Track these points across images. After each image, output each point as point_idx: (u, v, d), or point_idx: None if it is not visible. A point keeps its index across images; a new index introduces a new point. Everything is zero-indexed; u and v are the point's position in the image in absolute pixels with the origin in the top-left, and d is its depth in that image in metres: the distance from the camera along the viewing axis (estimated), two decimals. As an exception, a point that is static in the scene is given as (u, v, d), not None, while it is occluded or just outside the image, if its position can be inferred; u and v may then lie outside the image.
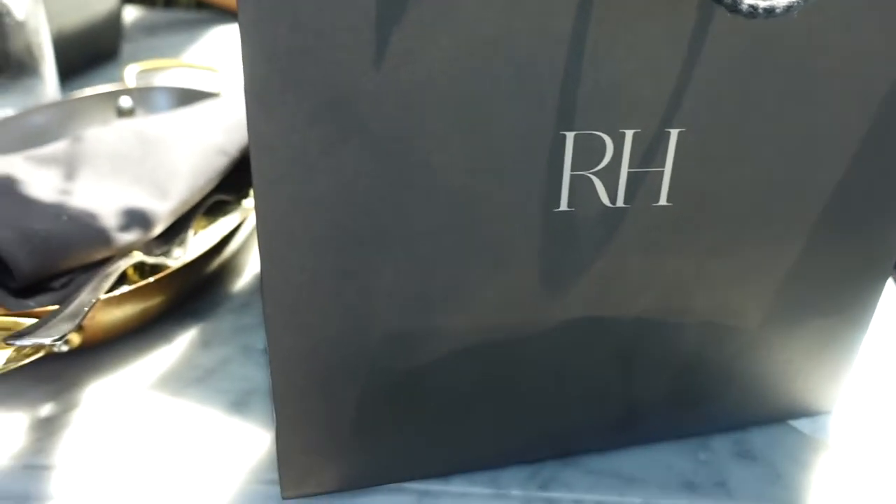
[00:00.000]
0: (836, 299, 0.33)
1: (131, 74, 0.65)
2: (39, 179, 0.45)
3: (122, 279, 0.43)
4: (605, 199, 0.28)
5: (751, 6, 0.23)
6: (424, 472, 0.33)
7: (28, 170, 0.46)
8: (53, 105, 0.59)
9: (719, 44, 0.26)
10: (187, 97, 0.61)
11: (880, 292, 0.34)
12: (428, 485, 0.33)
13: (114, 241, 0.42)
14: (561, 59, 0.26)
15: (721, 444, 0.35)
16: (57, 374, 0.38)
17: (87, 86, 0.74)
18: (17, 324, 0.34)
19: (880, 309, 0.45)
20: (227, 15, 0.99)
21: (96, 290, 0.36)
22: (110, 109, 0.61)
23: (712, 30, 0.26)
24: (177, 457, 0.34)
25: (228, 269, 0.48)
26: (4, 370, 0.31)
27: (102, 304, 0.37)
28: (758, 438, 0.36)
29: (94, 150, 0.48)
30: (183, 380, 0.38)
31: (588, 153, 0.27)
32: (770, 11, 0.23)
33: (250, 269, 0.48)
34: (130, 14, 1.00)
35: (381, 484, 0.33)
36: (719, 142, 0.28)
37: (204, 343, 0.41)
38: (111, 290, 0.39)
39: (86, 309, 0.34)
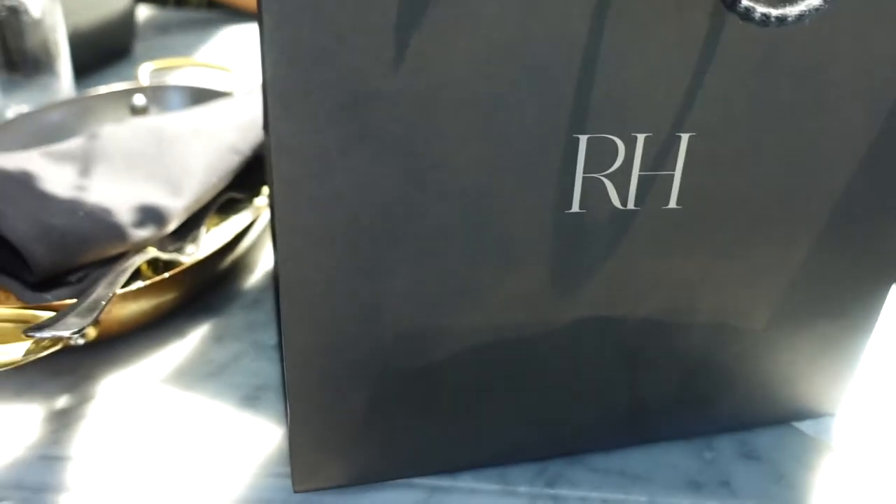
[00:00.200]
0: (841, 303, 0.34)
1: (145, 73, 0.66)
2: (56, 175, 0.46)
3: (136, 275, 0.44)
4: (617, 202, 0.29)
5: (763, 14, 0.23)
6: (434, 467, 0.34)
7: (45, 165, 0.47)
8: (68, 102, 0.59)
9: (731, 50, 0.27)
10: (200, 96, 0.62)
11: (885, 296, 0.34)
12: (437, 480, 0.34)
13: (129, 237, 0.42)
14: (575, 64, 0.26)
15: (726, 445, 0.36)
16: (72, 366, 0.39)
17: (101, 84, 0.75)
18: (35, 317, 0.35)
19: (885, 313, 0.45)
20: (237, 14, 1.00)
21: (112, 285, 0.37)
22: (124, 107, 0.61)
23: (724, 37, 0.27)
24: (189, 449, 0.35)
25: (240, 266, 0.48)
26: (23, 362, 0.32)
27: (118, 298, 0.37)
28: (762, 439, 0.36)
29: (109, 146, 0.49)
30: (196, 374, 0.39)
31: (600, 156, 0.28)
32: (782, 20, 0.23)
33: (262, 266, 0.49)
34: (143, 13, 1.01)
35: (390, 479, 0.33)
36: (729, 147, 0.29)
37: (216, 338, 0.42)
38: (126, 285, 0.39)
39: (103, 303, 0.35)
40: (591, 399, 0.34)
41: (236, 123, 0.53)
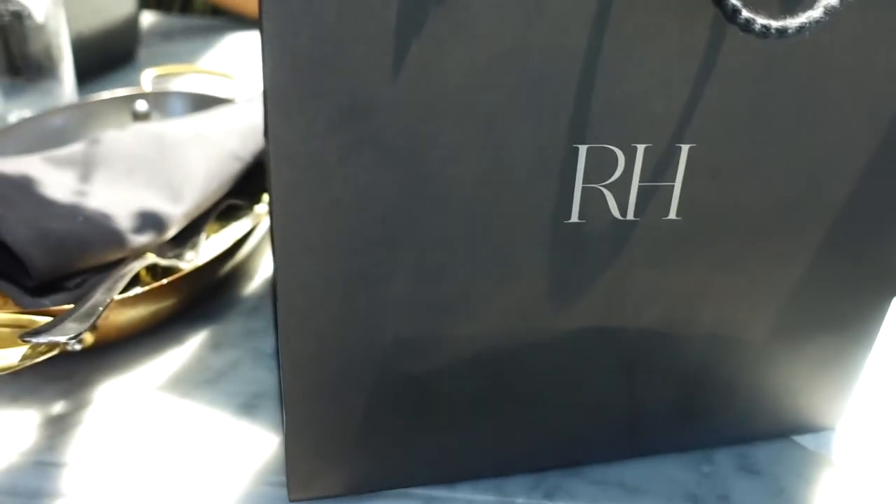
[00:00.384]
0: (841, 316, 0.34)
1: (148, 79, 0.66)
2: (57, 180, 0.46)
3: (135, 280, 0.43)
4: (616, 212, 0.29)
5: (763, 26, 0.23)
6: (430, 478, 0.34)
7: (46, 170, 0.47)
8: (71, 107, 0.59)
9: (731, 62, 0.27)
10: (202, 102, 0.62)
11: (886, 310, 0.34)
12: (434, 491, 0.33)
13: (128, 243, 0.42)
14: (575, 74, 0.26)
15: (725, 458, 0.36)
16: (69, 372, 0.39)
17: (104, 89, 0.75)
18: (32, 322, 0.35)
19: (886, 327, 0.45)
20: (241, 21, 1.01)
21: (110, 290, 0.37)
22: (126, 113, 0.61)
23: (724, 48, 0.26)
24: (185, 457, 0.34)
25: (240, 273, 0.48)
26: (20, 367, 0.32)
27: (116, 304, 0.37)
28: (761, 453, 0.36)
29: (110, 152, 0.49)
30: (193, 381, 0.39)
31: (600, 166, 0.28)
32: (782, 32, 0.23)
33: (261, 273, 0.49)
34: (147, 19, 1.01)
35: (387, 489, 0.33)
36: (729, 158, 0.29)
37: (214, 345, 0.42)
38: (124, 290, 0.39)
39: (100, 309, 0.35)
40: (590, 410, 0.33)
41: (237, 130, 0.53)
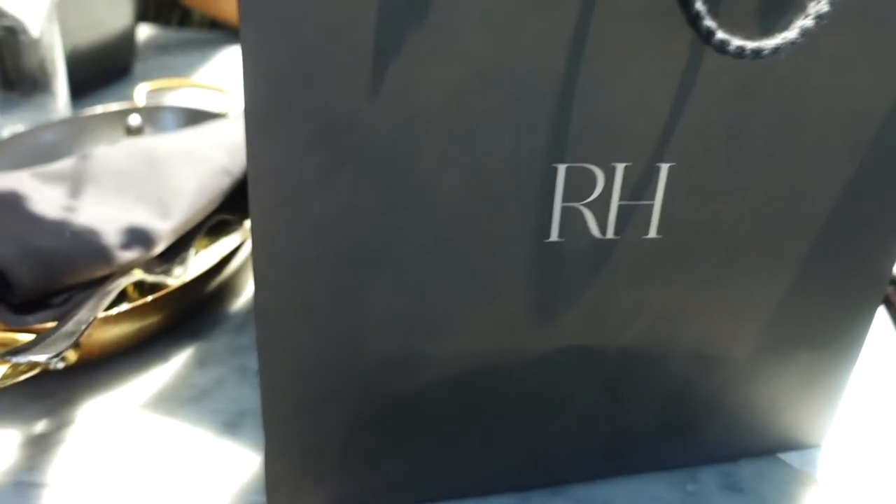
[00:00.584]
0: (824, 332, 0.33)
1: (141, 93, 0.66)
2: (45, 196, 0.46)
3: (122, 296, 0.43)
4: (596, 231, 0.29)
5: (738, 47, 0.23)
6: (412, 497, 0.33)
7: (35, 186, 0.47)
8: (63, 122, 0.60)
9: (709, 81, 0.27)
10: (195, 117, 0.62)
11: (869, 326, 0.34)
12: (416, 510, 0.33)
13: (115, 259, 0.42)
14: (553, 93, 0.26)
15: (709, 476, 0.35)
16: (52, 390, 0.39)
17: (99, 103, 0.75)
18: (15, 340, 0.35)
19: (870, 342, 0.45)
20: (239, 35, 1.01)
21: (95, 308, 0.37)
22: (119, 127, 0.61)
23: (703, 68, 0.26)
24: (167, 476, 0.34)
25: (227, 289, 0.48)
26: (0, 386, 0.32)
27: (100, 322, 0.37)
28: (746, 471, 0.36)
29: (100, 167, 0.49)
30: (177, 399, 0.39)
31: (579, 185, 0.28)
32: (758, 53, 0.23)
33: (249, 289, 0.49)
34: (144, 32, 1.01)
35: (369, 508, 0.33)
36: (709, 177, 0.28)
37: (200, 362, 0.41)
38: (110, 307, 0.39)
39: (83, 327, 0.35)
40: (573, 429, 0.33)
41: (228, 145, 0.53)
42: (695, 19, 0.23)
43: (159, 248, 0.45)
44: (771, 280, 0.31)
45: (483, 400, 0.32)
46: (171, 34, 1.02)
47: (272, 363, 0.29)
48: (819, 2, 0.23)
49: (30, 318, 0.39)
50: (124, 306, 0.39)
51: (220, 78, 0.85)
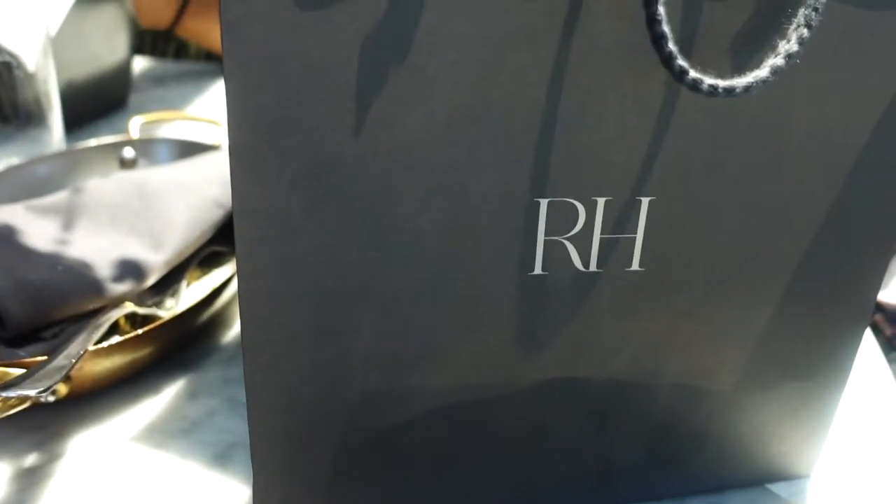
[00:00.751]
0: (809, 362, 0.34)
1: (136, 126, 0.67)
2: (38, 229, 0.46)
3: (114, 329, 0.44)
4: (579, 264, 0.29)
5: (711, 86, 0.24)
6: (401, 529, 0.33)
7: (28, 219, 0.47)
8: (57, 155, 0.60)
9: (687, 117, 0.27)
10: (188, 149, 0.63)
11: (854, 355, 0.34)
12: (404, 543, 0.33)
13: (107, 292, 0.43)
14: (534, 129, 0.27)
15: (698, 507, 0.35)
16: (42, 423, 0.39)
17: (94, 136, 0.76)
18: (6, 374, 0.35)
19: (860, 370, 0.45)
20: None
21: (85, 341, 0.37)
22: (113, 160, 0.62)
23: (680, 103, 0.27)
24: (157, 509, 0.34)
25: (219, 321, 0.48)
26: (-10, 420, 0.32)
27: (91, 355, 0.37)
28: (734, 501, 0.36)
29: (93, 200, 0.50)
30: (168, 431, 0.39)
31: (561, 219, 0.28)
32: (730, 91, 0.24)
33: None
34: (140, 64, 1.02)
35: (357, 541, 0.33)
36: (690, 210, 0.29)
37: (191, 394, 0.42)
38: (101, 340, 0.39)
39: (74, 360, 0.35)
40: (559, 460, 0.33)
41: (221, 177, 0.54)
42: (668, 59, 0.23)
43: (151, 281, 0.46)
44: (754, 311, 0.32)
45: (469, 432, 0.32)
46: (167, 66, 1.03)
47: (259, 396, 0.29)
48: (789, 41, 0.24)
49: (21, 351, 0.39)
50: (115, 339, 0.39)
51: (215, 110, 0.85)
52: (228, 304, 0.49)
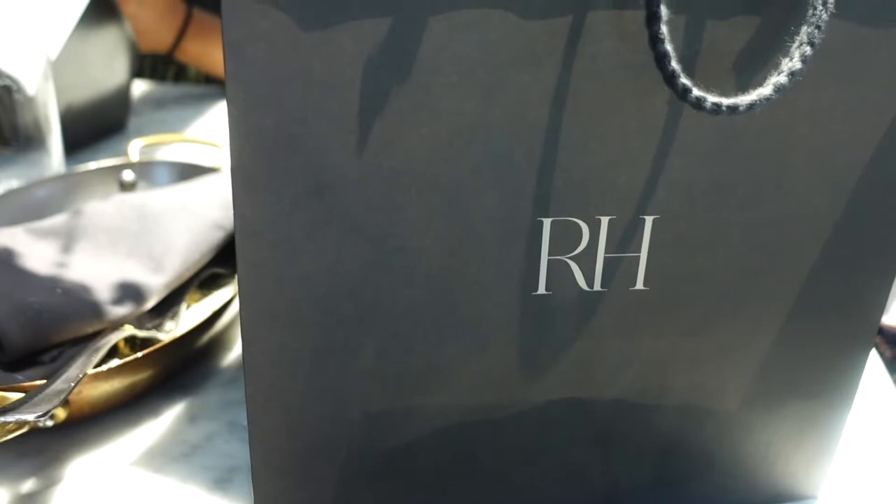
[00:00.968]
0: (815, 381, 0.34)
1: (135, 149, 0.67)
2: (38, 252, 0.46)
3: (113, 352, 0.43)
4: (583, 284, 0.29)
5: (714, 104, 0.24)
6: (404, 554, 0.33)
7: (27, 242, 0.47)
8: (57, 178, 0.60)
9: (690, 135, 0.27)
10: (188, 171, 0.63)
11: (859, 374, 0.34)
12: (408, 568, 0.33)
13: (106, 315, 0.42)
14: (537, 149, 0.27)
15: (705, 530, 0.35)
16: (41, 448, 0.38)
17: (94, 159, 0.76)
18: (4, 398, 0.35)
19: (865, 391, 0.44)
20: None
21: (84, 365, 0.37)
22: (113, 183, 0.62)
23: (683, 122, 0.27)
24: (156, 535, 0.34)
25: (219, 343, 0.48)
26: (-12, 445, 0.31)
27: (90, 378, 0.37)
28: (742, 524, 0.35)
29: (92, 223, 0.49)
30: (168, 455, 0.38)
31: (565, 239, 0.28)
32: (733, 109, 0.24)
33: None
34: (139, 88, 1.03)
35: (360, 566, 0.33)
36: (693, 228, 0.29)
37: (191, 418, 0.41)
38: (100, 363, 0.39)
39: (72, 384, 0.35)
40: (564, 482, 0.33)
41: (221, 199, 0.54)
42: (671, 77, 0.23)
43: (151, 303, 0.45)
44: (759, 330, 0.31)
45: (473, 453, 0.31)
46: (167, 89, 1.03)
47: (261, 419, 0.29)
48: (792, 59, 0.24)
49: (19, 375, 0.39)
50: (115, 362, 0.39)
51: (215, 132, 0.86)
52: (228, 327, 0.49)
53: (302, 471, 0.30)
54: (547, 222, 0.28)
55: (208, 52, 0.96)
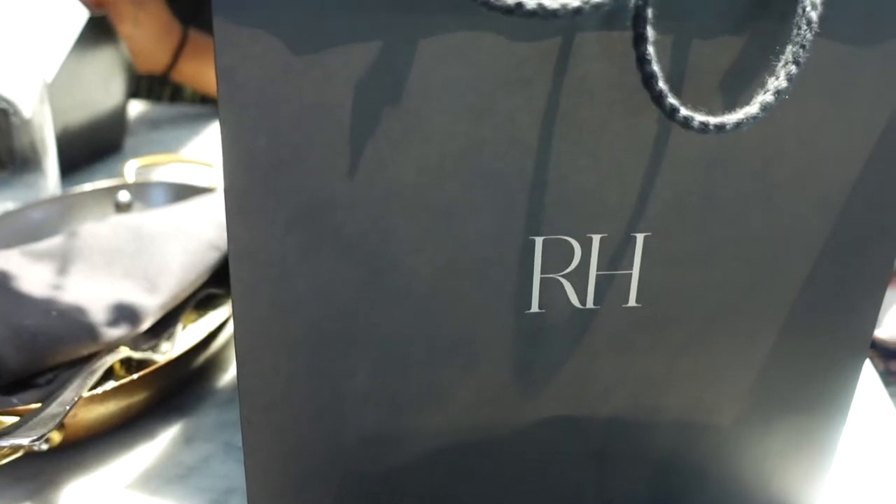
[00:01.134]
0: (809, 395, 0.34)
1: (131, 170, 0.67)
2: (33, 274, 0.46)
3: (109, 373, 0.43)
4: (576, 301, 0.29)
5: (702, 123, 0.24)
6: (401, 575, 0.33)
7: (23, 265, 0.47)
8: (53, 200, 0.60)
9: (680, 153, 0.27)
10: (183, 192, 0.63)
11: (854, 387, 0.34)
12: (405, 589, 0.33)
13: (101, 337, 0.42)
14: (527, 168, 0.27)
15: (702, 546, 0.35)
16: (36, 472, 0.38)
17: (90, 180, 0.76)
18: (0, 422, 0.35)
19: (860, 405, 0.44)
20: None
21: (79, 387, 0.37)
22: (109, 204, 0.62)
23: (672, 140, 0.27)
24: (152, 559, 0.34)
25: (215, 364, 0.48)
26: (-17, 470, 0.31)
27: (85, 401, 0.37)
28: (739, 540, 0.35)
29: (88, 245, 0.49)
30: (164, 477, 0.38)
31: (557, 257, 0.28)
32: (721, 128, 0.24)
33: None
34: (135, 108, 1.03)
35: (357, 588, 0.32)
36: (684, 245, 0.29)
37: (187, 440, 0.41)
38: (95, 386, 0.39)
39: (67, 408, 0.35)
40: (560, 499, 0.33)
41: (216, 220, 0.54)
42: (658, 97, 0.24)
43: (146, 325, 0.45)
44: (752, 345, 0.32)
45: (467, 473, 0.31)
46: (163, 109, 1.04)
47: (256, 440, 0.29)
48: (778, 78, 0.24)
49: (14, 398, 0.39)
50: (110, 385, 0.39)
51: (211, 152, 0.86)
52: (224, 347, 0.49)
53: (297, 492, 0.30)
54: (539, 241, 0.28)
55: (204, 72, 0.96)
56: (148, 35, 0.90)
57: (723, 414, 0.33)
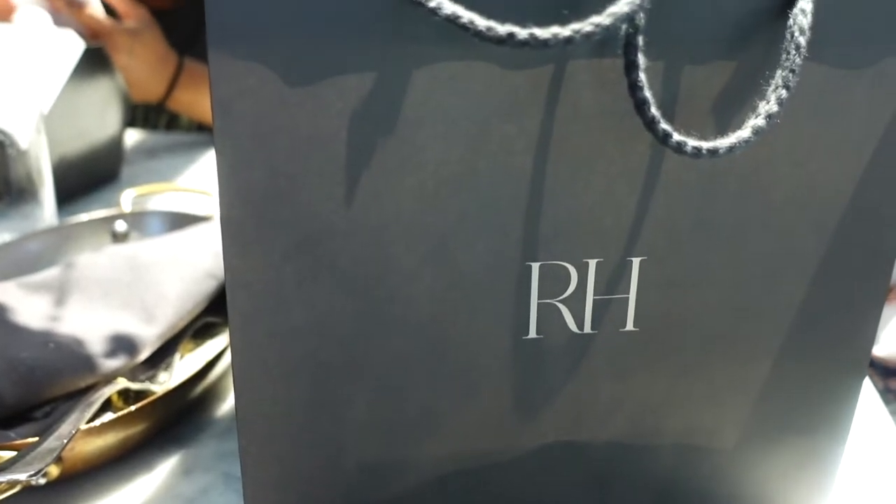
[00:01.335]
0: (809, 416, 0.34)
1: (127, 199, 0.67)
2: (30, 306, 0.46)
3: (107, 404, 0.43)
4: (573, 326, 0.29)
5: (695, 148, 0.24)
6: None
7: (19, 297, 0.47)
8: (49, 231, 0.60)
9: (673, 177, 0.28)
10: (180, 221, 0.63)
11: (854, 407, 0.34)
12: None
13: (99, 368, 0.42)
14: (523, 195, 0.27)
15: (706, 570, 0.35)
16: (34, 506, 0.38)
17: (87, 209, 0.76)
18: (-3, 456, 0.34)
19: (861, 424, 0.44)
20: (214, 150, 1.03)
21: (77, 420, 0.37)
22: (105, 234, 0.62)
23: (665, 165, 0.27)
24: (151, 593, 0.33)
25: (213, 393, 0.48)
26: (-21, 506, 0.31)
27: (83, 434, 0.37)
28: (743, 563, 0.35)
29: (84, 276, 0.49)
30: (162, 510, 0.38)
31: (554, 282, 0.28)
32: (714, 152, 0.24)
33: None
34: (132, 137, 1.04)
35: None
36: (681, 269, 0.29)
37: (185, 471, 0.41)
38: (93, 417, 0.39)
39: (65, 441, 0.34)
40: (563, 527, 0.33)
41: (213, 248, 0.54)
42: (651, 123, 0.24)
43: (144, 355, 0.45)
44: (750, 367, 0.32)
45: (468, 500, 0.31)
46: (159, 138, 1.04)
47: (255, 471, 0.29)
48: (769, 102, 0.24)
49: (11, 433, 0.39)
50: (108, 416, 0.38)
51: (207, 181, 0.86)
52: (222, 377, 0.49)
53: (297, 523, 0.30)
54: (535, 267, 0.28)
55: (200, 101, 0.97)
56: (144, 65, 0.91)
57: (723, 437, 0.33)
